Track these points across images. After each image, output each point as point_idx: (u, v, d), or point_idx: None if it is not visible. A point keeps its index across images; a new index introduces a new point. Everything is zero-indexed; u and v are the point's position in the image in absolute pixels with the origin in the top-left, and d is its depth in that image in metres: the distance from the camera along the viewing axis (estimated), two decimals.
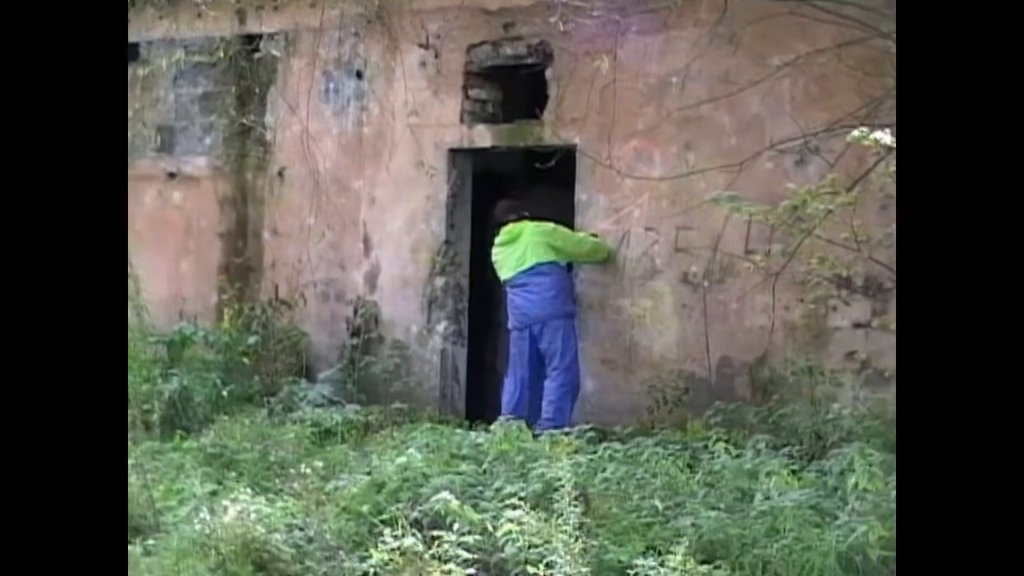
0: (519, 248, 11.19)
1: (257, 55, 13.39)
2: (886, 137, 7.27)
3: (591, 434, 9.29)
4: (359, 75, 12.72)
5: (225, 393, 11.63)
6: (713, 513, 7.32)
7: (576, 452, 8.70)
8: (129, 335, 8.64)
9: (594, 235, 11.15)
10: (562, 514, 6.83)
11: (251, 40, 13.46)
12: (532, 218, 11.31)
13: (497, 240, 11.42)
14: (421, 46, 12.22)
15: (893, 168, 7.96)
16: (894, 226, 9.30)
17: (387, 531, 6.77)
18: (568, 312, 11.16)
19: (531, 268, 11.12)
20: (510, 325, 11.38)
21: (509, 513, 6.83)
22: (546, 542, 6.61)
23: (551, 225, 11.18)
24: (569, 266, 11.35)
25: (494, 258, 11.46)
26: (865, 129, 7.49)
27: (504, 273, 11.34)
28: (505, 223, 11.40)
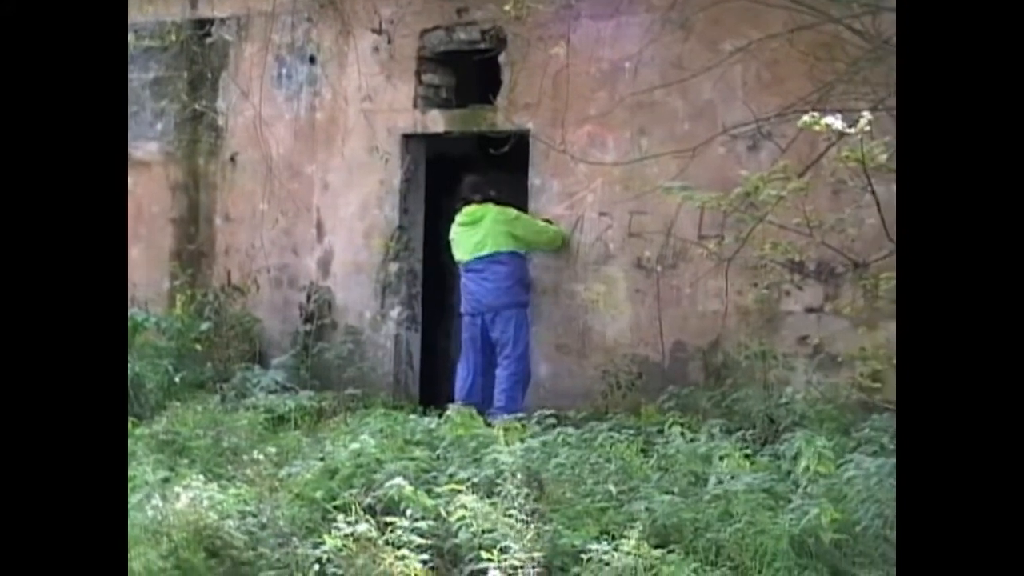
0: (479, 232, 11.13)
1: (209, 40, 13.32)
2: (837, 122, 7.29)
3: (545, 419, 9.29)
4: (312, 60, 12.67)
5: (177, 380, 11.58)
6: (667, 497, 7.35)
7: (530, 437, 8.72)
8: None
9: (549, 221, 11.15)
10: (514, 499, 6.84)
11: (203, 25, 13.39)
12: (496, 202, 11.23)
13: (458, 219, 11.34)
14: (374, 31, 12.19)
15: (844, 153, 8.00)
16: (847, 211, 9.40)
17: (341, 517, 6.77)
18: (522, 302, 11.14)
19: (489, 255, 11.07)
20: (462, 310, 11.33)
21: (462, 498, 6.84)
22: (499, 527, 6.62)
23: (514, 212, 11.13)
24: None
25: (452, 236, 11.38)
26: (816, 114, 7.51)
27: (460, 254, 11.29)
28: (470, 202, 11.33)
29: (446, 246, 11.52)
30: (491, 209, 11.15)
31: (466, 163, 12.61)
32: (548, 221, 11.13)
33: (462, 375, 11.21)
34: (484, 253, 11.08)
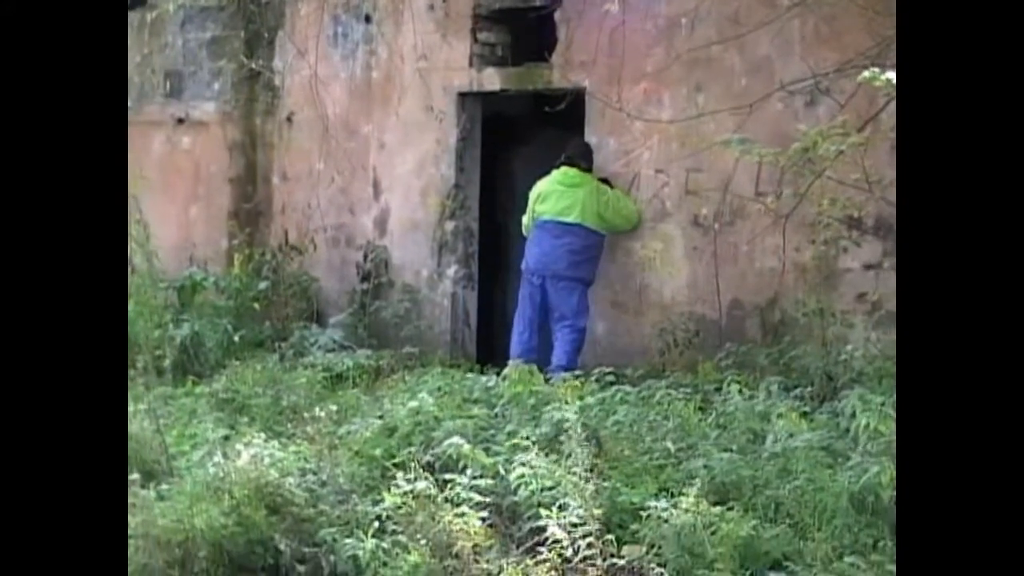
0: (572, 198, 11.02)
1: (265, 0, 13.34)
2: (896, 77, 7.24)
3: (603, 377, 9.30)
4: (367, 19, 12.67)
5: (236, 338, 11.66)
6: (725, 455, 7.35)
7: (588, 395, 8.73)
8: (139, 281, 8.67)
9: (607, 180, 11.06)
10: (573, 456, 6.86)
11: None
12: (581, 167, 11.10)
13: (555, 174, 11.18)
14: None
15: None
16: None
17: (399, 475, 6.81)
18: (587, 279, 11.05)
19: (574, 224, 10.95)
20: (524, 266, 11.28)
21: (521, 456, 6.87)
22: (558, 485, 6.65)
23: (607, 192, 11.02)
24: None
25: (541, 188, 11.21)
26: (876, 69, 7.46)
27: (544, 209, 11.15)
28: (573, 163, 11.15)
29: (517, 198, 11.43)
30: (590, 180, 11.01)
31: (522, 122, 12.60)
32: (606, 180, 11.08)
33: (519, 330, 11.18)
34: (569, 220, 10.95)
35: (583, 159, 11.16)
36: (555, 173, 11.19)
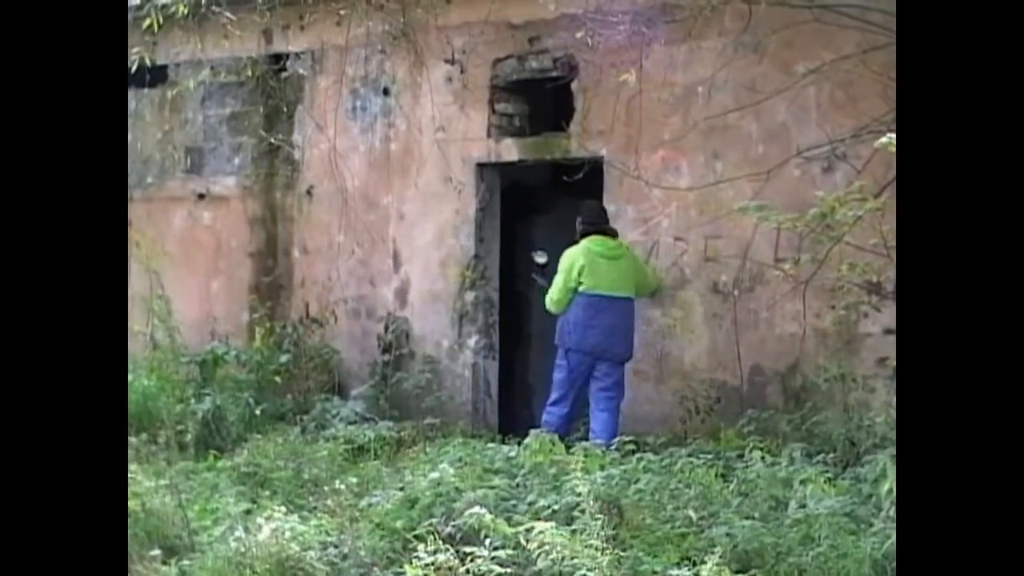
0: (619, 269, 10.85)
1: (284, 74, 13.45)
2: None
3: (625, 445, 9.27)
4: (386, 92, 12.76)
5: (258, 412, 11.66)
6: (747, 522, 7.31)
7: (610, 464, 8.71)
8: (162, 356, 8.71)
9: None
10: (590, 527, 6.84)
11: (278, 59, 13.52)
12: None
13: (594, 246, 10.86)
14: (447, 61, 12.26)
15: None
16: None
17: (421, 547, 6.78)
18: (632, 352, 11.04)
19: (625, 298, 10.79)
20: (575, 345, 10.86)
21: (540, 526, 6.84)
22: (579, 555, 6.61)
23: (640, 260, 11.04)
24: None
25: (585, 261, 10.80)
26: (892, 135, 7.48)
27: (594, 283, 10.80)
28: (602, 230, 10.93)
29: (523, 277, 11.44)
30: (627, 248, 10.90)
31: (540, 191, 12.65)
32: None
33: (559, 405, 10.89)
34: (622, 294, 10.82)
35: (608, 222, 11.05)
36: (591, 243, 10.90)
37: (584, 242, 10.93)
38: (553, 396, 10.95)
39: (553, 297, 11.00)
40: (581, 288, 10.83)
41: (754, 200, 9.79)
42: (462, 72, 12.21)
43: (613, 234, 10.92)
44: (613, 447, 9.36)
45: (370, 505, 8.15)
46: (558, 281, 10.94)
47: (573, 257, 10.91)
